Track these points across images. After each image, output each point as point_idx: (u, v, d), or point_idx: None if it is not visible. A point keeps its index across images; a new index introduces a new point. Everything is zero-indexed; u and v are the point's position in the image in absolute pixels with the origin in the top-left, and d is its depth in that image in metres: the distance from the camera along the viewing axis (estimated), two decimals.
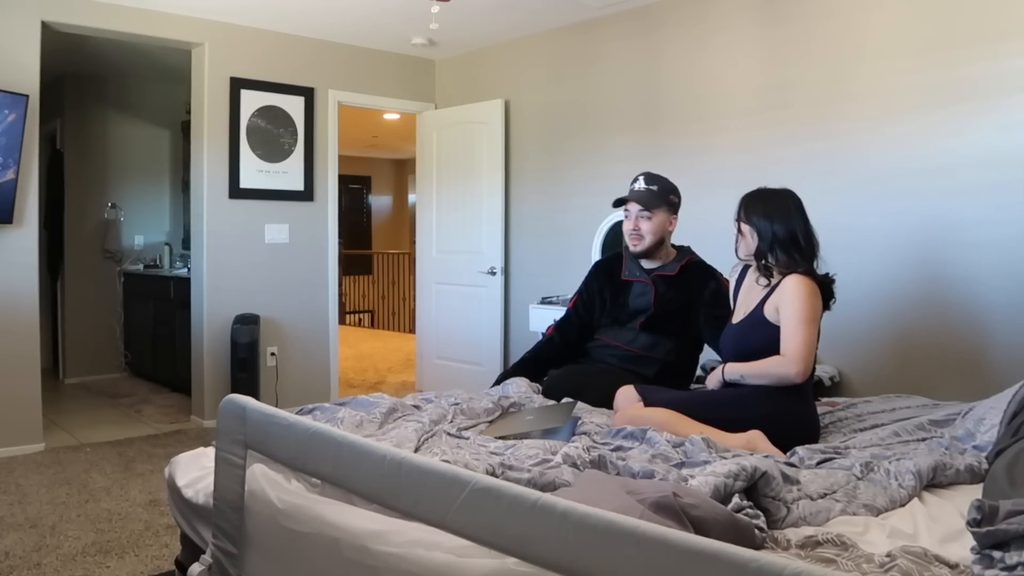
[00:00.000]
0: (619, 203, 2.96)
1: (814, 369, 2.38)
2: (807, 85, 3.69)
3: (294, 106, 5.03)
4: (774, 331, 2.33)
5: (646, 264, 2.97)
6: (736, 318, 2.52)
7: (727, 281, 2.86)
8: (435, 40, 5.18)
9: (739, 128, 3.97)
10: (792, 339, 2.27)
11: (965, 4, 3.18)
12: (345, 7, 4.50)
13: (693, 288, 2.89)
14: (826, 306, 2.39)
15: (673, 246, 3.03)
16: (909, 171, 3.36)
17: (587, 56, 4.73)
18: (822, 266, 2.43)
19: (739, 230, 2.46)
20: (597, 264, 3.19)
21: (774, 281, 2.39)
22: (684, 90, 4.23)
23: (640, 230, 2.89)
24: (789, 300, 2.30)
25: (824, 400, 2.77)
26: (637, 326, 2.93)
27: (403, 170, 12.85)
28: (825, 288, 2.37)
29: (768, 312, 2.37)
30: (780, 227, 2.36)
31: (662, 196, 2.88)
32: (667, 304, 2.90)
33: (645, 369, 2.87)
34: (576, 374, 2.87)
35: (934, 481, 1.84)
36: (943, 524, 1.61)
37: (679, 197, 2.95)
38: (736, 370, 2.40)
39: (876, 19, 3.45)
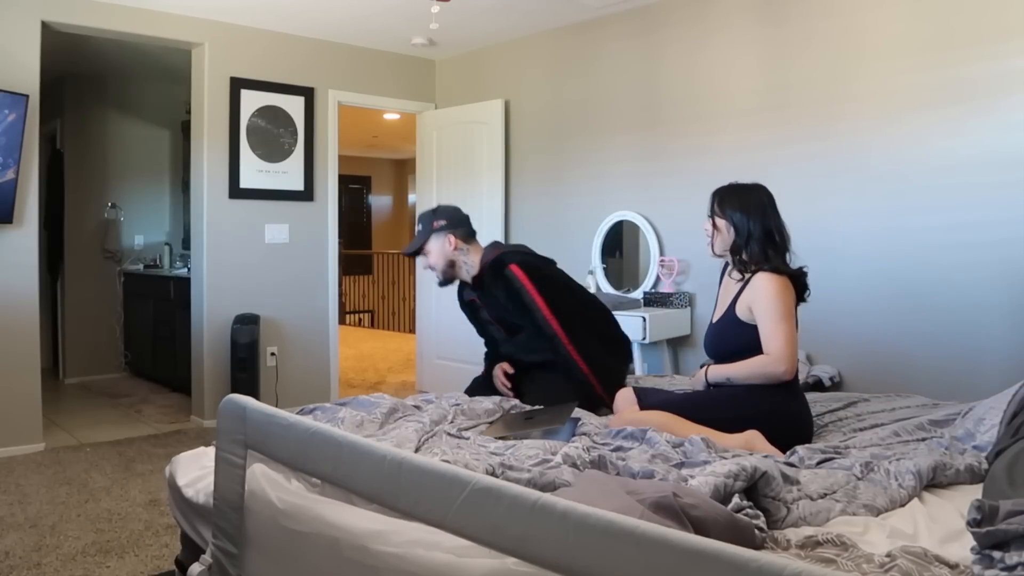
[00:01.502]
0: (412, 255, 3.05)
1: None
2: (807, 85, 3.69)
3: (294, 106, 5.03)
4: (748, 330, 2.33)
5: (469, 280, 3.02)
6: (715, 317, 2.52)
7: (521, 270, 2.81)
8: (435, 40, 5.18)
9: (739, 128, 3.97)
10: (774, 338, 2.27)
11: (965, 4, 3.18)
12: (345, 7, 4.50)
13: (492, 284, 2.90)
14: (801, 299, 2.39)
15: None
16: (909, 171, 3.36)
17: (587, 56, 4.73)
18: (805, 263, 2.43)
19: (714, 225, 2.45)
20: (457, 295, 3.23)
21: (742, 278, 2.39)
22: (684, 90, 4.23)
23: (430, 268, 2.99)
24: (762, 299, 2.29)
25: None
26: (503, 335, 2.98)
27: (403, 170, 12.85)
28: (798, 281, 2.36)
29: (740, 311, 2.37)
30: (757, 222, 2.36)
31: (425, 230, 2.95)
32: (498, 304, 2.92)
33: (552, 355, 2.87)
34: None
35: (934, 481, 1.84)
36: (943, 524, 1.61)
37: (447, 216, 2.96)
38: (721, 372, 2.40)
39: (876, 19, 3.45)
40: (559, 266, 3.09)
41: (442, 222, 2.93)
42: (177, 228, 6.61)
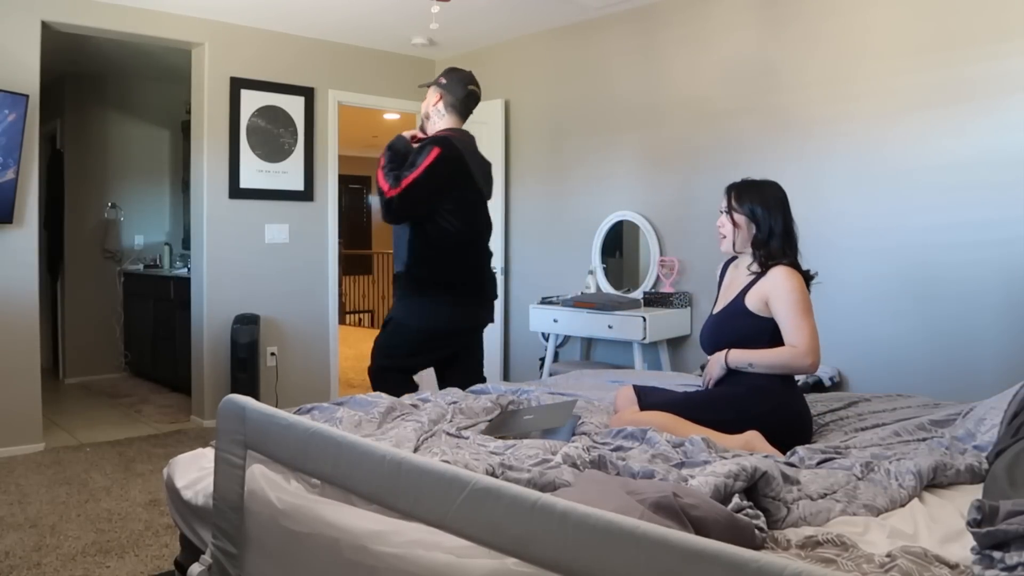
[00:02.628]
0: (423, 87, 3.25)
1: None
2: (807, 85, 3.69)
3: (294, 106, 5.03)
4: (755, 321, 2.32)
5: None
6: (716, 309, 2.51)
7: (439, 155, 2.89)
8: (435, 40, 5.18)
9: (739, 128, 3.97)
10: (800, 332, 2.25)
11: (965, 4, 3.18)
12: (345, 7, 4.50)
13: (421, 145, 3.01)
14: None
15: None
16: (909, 171, 3.36)
17: (587, 56, 4.73)
18: (807, 263, 2.43)
19: (732, 221, 2.41)
20: None
21: (761, 271, 2.37)
22: (684, 90, 4.23)
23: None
24: (785, 292, 2.28)
25: None
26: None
27: None
28: (805, 281, 2.36)
29: (750, 301, 2.34)
30: (778, 217, 2.35)
31: (436, 79, 3.17)
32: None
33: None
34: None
35: (934, 481, 1.84)
36: (943, 524, 1.61)
37: (454, 80, 3.13)
38: (744, 357, 2.33)
39: (876, 19, 3.45)
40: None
41: (444, 81, 3.13)
42: (177, 228, 6.61)
